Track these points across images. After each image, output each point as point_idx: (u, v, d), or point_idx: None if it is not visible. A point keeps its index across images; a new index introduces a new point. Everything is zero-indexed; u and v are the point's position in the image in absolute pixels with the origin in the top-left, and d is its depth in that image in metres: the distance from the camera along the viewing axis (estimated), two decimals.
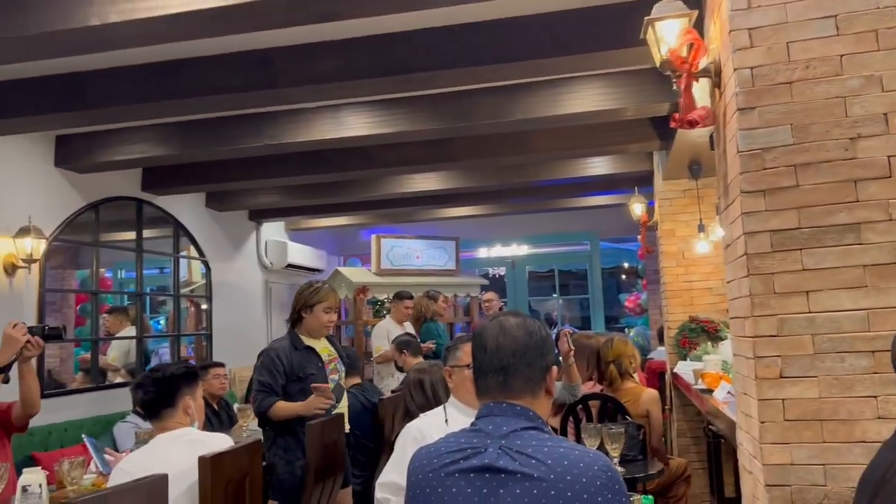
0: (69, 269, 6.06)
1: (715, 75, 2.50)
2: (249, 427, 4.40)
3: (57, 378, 5.71)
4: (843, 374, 2.06)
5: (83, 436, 3.79)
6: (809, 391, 2.08)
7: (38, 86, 4.18)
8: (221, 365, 5.47)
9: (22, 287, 5.19)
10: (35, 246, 5.06)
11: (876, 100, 2.10)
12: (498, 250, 11.19)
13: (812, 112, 2.15)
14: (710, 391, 3.99)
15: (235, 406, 5.41)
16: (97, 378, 5.89)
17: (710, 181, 5.37)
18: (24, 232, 5.03)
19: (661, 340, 7.12)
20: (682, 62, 2.42)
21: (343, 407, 3.86)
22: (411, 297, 6.80)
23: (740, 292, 2.29)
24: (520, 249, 11.13)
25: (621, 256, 11.74)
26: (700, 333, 5.42)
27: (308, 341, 3.74)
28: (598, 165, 6.71)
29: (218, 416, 5.25)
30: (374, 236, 9.37)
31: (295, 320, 3.78)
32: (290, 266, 8.83)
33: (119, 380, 6.11)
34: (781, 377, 2.10)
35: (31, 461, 4.32)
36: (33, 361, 3.17)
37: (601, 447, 3.09)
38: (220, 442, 2.71)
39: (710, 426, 4.31)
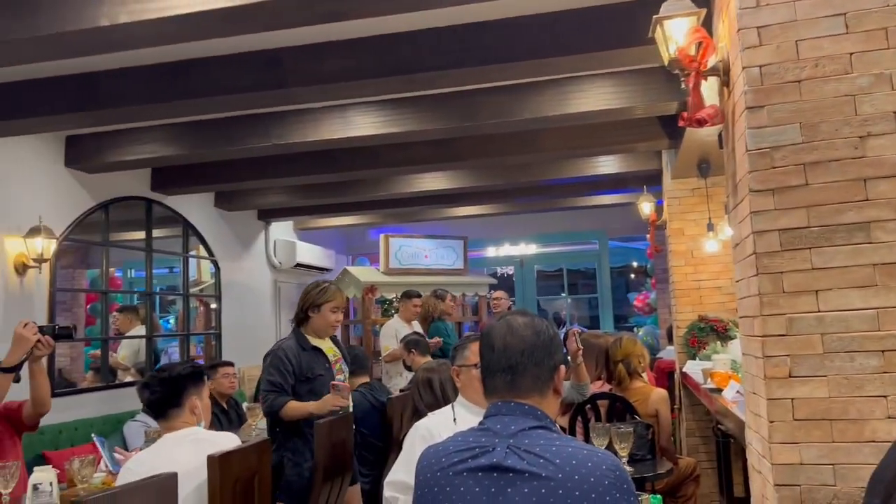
0: (79, 268, 6.10)
1: (723, 74, 2.49)
2: (258, 426, 4.42)
3: (67, 377, 5.75)
4: (852, 374, 2.05)
5: (93, 435, 3.82)
6: (819, 390, 2.07)
7: (49, 86, 4.21)
8: (230, 364, 5.49)
9: (32, 286, 5.23)
10: (45, 246, 5.10)
11: (886, 98, 2.09)
12: (506, 249, 11.19)
13: (821, 110, 2.14)
14: (719, 390, 3.97)
15: (244, 405, 5.43)
16: (107, 377, 5.92)
17: (719, 180, 5.35)
18: (34, 232, 5.07)
19: (670, 340, 7.10)
20: (690, 61, 2.41)
21: (348, 407, 3.87)
22: (419, 296, 6.81)
23: (749, 291, 2.28)
24: (528, 248, 11.12)
25: (630, 255, 11.72)
26: (709, 333, 5.40)
27: (314, 341, 3.75)
28: (607, 164, 6.69)
29: (227, 415, 5.28)
30: (382, 236, 9.38)
31: (301, 320, 3.77)
32: (298, 265, 8.85)
33: (129, 379, 6.14)
34: (790, 376, 2.09)
35: (42, 460, 4.35)
36: (44, 360, 3.19)
37: (610, 447, 3.09)
38: (227, 441, 2.71)
39: (719, 426, 4.30)
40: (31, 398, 3.17)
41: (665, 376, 6.61)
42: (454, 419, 2.52)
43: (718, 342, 5.28)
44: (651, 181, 6.73)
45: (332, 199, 7.41)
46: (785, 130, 2.16)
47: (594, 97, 4.51)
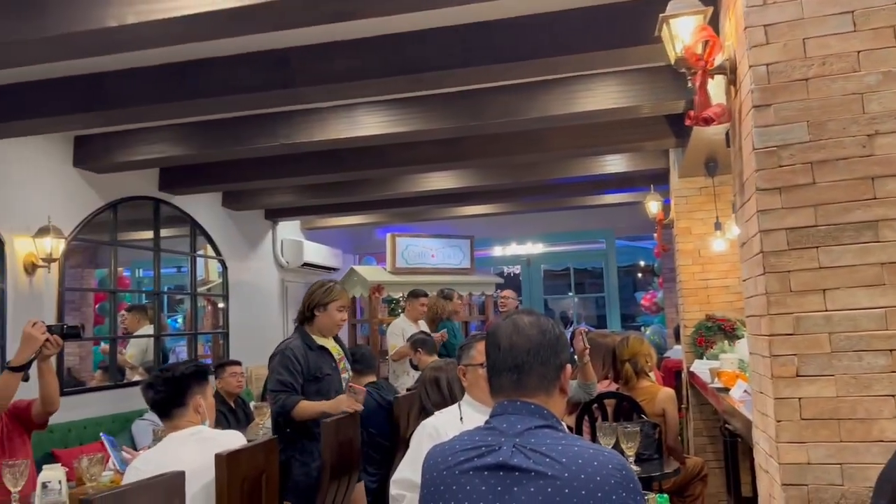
0: (88, 268, 6.13)
1: (730, 72, 2.48)
2: (265, 425, 4.43)
3: (76, 376, 5.78)
4: (860, 373, 2.04)
5: (102, 434, 3.83)
6: (826, 390, 2.06)
7: (58, 87, 4.23)
8: (238, 363, 5.51)
9: (42, 286, 5.26)
10: (54, 245, 5.13)
11: (894, 96, 2.08)
12: (513, 248, 11.18)
13: (829, 109, 2.13)
14: (726, 390, 3.96)
15: (252, 404, 5.45)
16: (116, 376, 5.95)
17: (727, 178, 5.33)
18: (43, 232, 5.10)
19: (677, 339, 7.09)
20: (697, 59, 2.41)
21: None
22: (426, 296, 6.81)
23: (756, 290, 2.28)
24: (535, 248, 11.11)
25: (637, 254, 11.69)
26: (716, 332, 5.39)
27: (320, 341, 3.75)
28: (614, 163, 6.68)
29: (234, 414, 5.30)
30: (389, 235, 9.38)
31: (306, 319, 3.77)
32: (305, 265, 8.87)
33: (137, 378, 6.17)
34: (798, 376, 2.09)
35: (51, 458, 4.37)
36: (52, 360, 3.21)
37: (616, 446, 3.09)
38: (232, 439, 2.71)
39: (726, 425, 4.29)
40: (40, 397, 3.19)
41: (672, 376, 6.60)
42: (461, 418, 2.52)
43: (726, 341, 5.27)
44: (658, 180, 6.72)
45: (338, 198, 7.42)
46: (792, 129, 2.15)
47: (601, 96, 4.50)
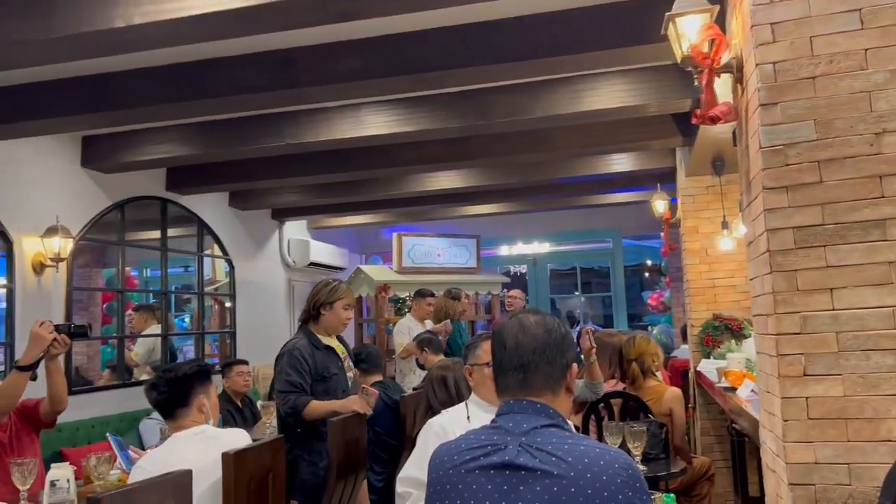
0: (96, 267, 6.16)
1: (737, 71, 2.48)
2: (272, 424, 4.44)
3: (84, 375, 5.81)
4: (868, 372, 2.03)
5: (108, 434, 3.85)
6: (834, 389, 2.05)
7: (65, 87, 4.25)
8: (245, 362, 5.53)
9: (50, 286, 5.28)
10: (62, 245, 5.15)
11: None
12: (519, 248, 11.17)
13: (836, 107, 2.12)
14: (733, 389, 3.95)
15: (259, 403, 5.47)
16: (123, 375, 5.98)
17: (734, 177, 5.32)
18: (51, 231, 5.12)
19: (684, 338, 7.07)
20: (703, 58, 2.40)
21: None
22: (433, 295, 6.81)
23: (763, 289, 2.27)
24: (541, 247, 11.10)
25: (644, 254, 11.67)
26: (724, 331, 5.38)
27: (326, 340, 3.76)
28: (620, 162, 6.67)
29: (241, 413, 5.32)
30: (395, 234, 9.40)
31: (312, 318, 3.77)
32: (312, 264, 8.88)
33: (145, 377, 6.19)
34: (805, 375, 2.08)
35: (60, 456, 4.40)
36: (60, 359, 3.22)
37: (623, 445, 3.08)
38: (237, 438, 2.71)
39: (733, 424, 4.28)
40: (48, 396, 3.20)
41: (679, 375, 6.59)
42: (468, 417, 2.52)
43: (733, 341, 5.25)
44: (665, 179, 6.70)
45: (345, 198, 7.43)
46: (799, 127, 2.14)
47: (607, 95, 4.50)
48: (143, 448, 4.44)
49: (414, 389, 4.99)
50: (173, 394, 2.62)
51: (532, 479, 1.43)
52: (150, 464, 2.45)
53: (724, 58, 2.46)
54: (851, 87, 2.11)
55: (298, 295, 8.88)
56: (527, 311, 1.65)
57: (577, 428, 1.69)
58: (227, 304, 7.60)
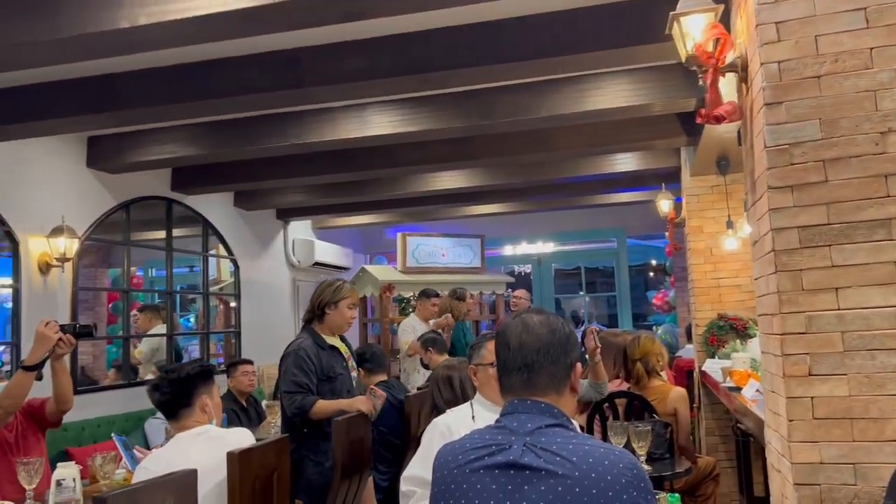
0: (101, 267, 6.18)
1: (741, 70, 2.47)
2: (277, 423, 4.45)
3: (90, 375, 5.83)
4: (873, 372, 2.02)
5: (113, 435, 3.86)
6: (839, 389, 2.05)
7: (70, 88, 4.26)
8: (250, 362, 5.54)
9: (56, 286, 5.30)
10: (68, 245, 5.17)
11: None
12: (524, 248, 11.16)
13: (841, 106, 2.11)
14: (738, 389, 3.94)
15: (263, 403, 5.47)
16: (129, 375, 5.99)
17: (739, 177, 5.30)
18: (57, 231, 5.14)
19: (689, 338, 7.06)
20: (708, 57, 2.39)
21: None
22: (437, 295, 6.81)
23: (768, 289, 2.26)
24: (546, 247, 11.08)
25: (649, 253, 11.66)
26: (728, 331, 5.36)
27: (330, 340, 3.76)
28: (625, 162, 6.66)
29: (246, 413, 5.33)
30: (399, 234, 9.40)
31: (316, 317, 3.77)
32: (317, 264, 8.89)
33: (150, 376, 6.21)
34: (810, 375, 2.07)
35: (65, 456, 4.41)
36: (66, 358, 3.23)
37: (628, 445, 3.08)
38: (240, 437, 2.71)
39: (738, 424, 4.27)
40: (54, 395, 3.21)
41: (684, 375, 6.57)
42: (473, 416, 2.53)
43: (738, 340, 5.24)
44: (669, 178, 6.69)
45: (349, 198, 7.44)
46: (804, 127, 2.13)
47: (611, 94, 4.49)
48: (148, 448, 4.45)
49: (418, 389, 5.00)
50: (176, 394, 2.62)
51: (537, 479, 1.42)
52: (154, 464, 2.46)
53: (729, 57, 2.46)
54: (857, 86, 2.10)
55: (303, 295, 8.89)
56: (531, 311, 1.64)
57: (581, 428, 1.68)
58: (232, 304, 7.61)
